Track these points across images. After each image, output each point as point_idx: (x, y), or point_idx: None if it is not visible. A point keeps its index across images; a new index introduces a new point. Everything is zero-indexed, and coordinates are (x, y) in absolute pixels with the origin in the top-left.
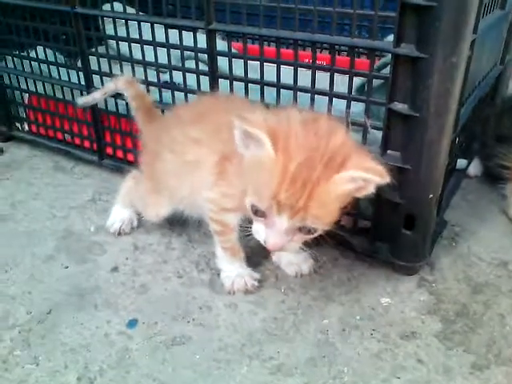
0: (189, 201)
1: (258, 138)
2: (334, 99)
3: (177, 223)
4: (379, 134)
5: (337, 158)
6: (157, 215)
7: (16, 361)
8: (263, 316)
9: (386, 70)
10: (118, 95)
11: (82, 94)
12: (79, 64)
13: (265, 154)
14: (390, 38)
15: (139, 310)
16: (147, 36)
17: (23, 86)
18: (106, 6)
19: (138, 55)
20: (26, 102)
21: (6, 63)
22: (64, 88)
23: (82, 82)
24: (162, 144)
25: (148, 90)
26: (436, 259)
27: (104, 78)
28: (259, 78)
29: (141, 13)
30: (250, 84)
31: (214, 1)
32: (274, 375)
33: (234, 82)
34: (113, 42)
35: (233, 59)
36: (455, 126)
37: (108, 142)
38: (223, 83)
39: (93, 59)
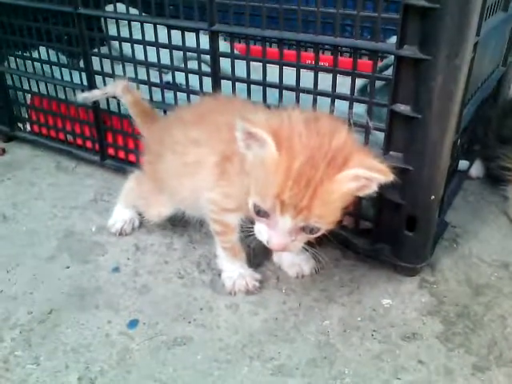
0: (190, 201)
1: (260, 137)
2: (336, 100)
3: (178, 223)
4: (381, 136)
5: (340, 156)
6: (159, 215)
7: (17, 361)
8: (264, 317)
9: (389, 71)
10: None
11: None
12: (81, 64)
13: (268, 153)
14: (393, 39)
15: (140, 310)
16: (150, 37)
17: (25, 87)
18: (109, 7)
19: (140, 56)
20: (29, 102)
21: (8, 63)
22: (66, 88)
23: (85, 83)
24: (164, 145)
25: (150, 91)
26: (437, 260)
27: (106, 78)
28: (261, 79)
29: (144, 14)
30: (252, 85)
31: (217, 2)
32: (275, 376)
33: (237, 83)
34: (115, 43)
35: (235, 60)
36: (457, 127)
37: (110, 143)
38: (225, 84)
39: (95, 60)
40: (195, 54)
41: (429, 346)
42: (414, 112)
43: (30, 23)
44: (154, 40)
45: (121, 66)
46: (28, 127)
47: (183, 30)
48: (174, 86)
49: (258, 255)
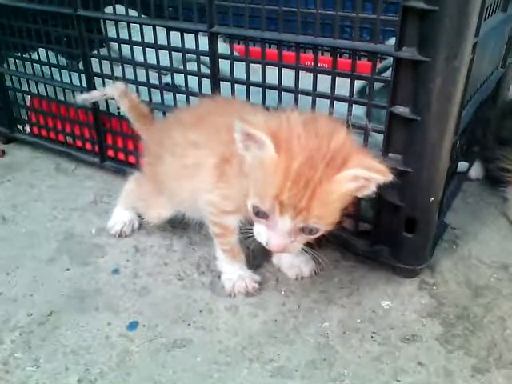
0: (189, 203)
1: (259, 139)
2: (335, 102)
3: (178, 225)
4: (380, 137)
5: (338, 157)
6: (158, 217)
7: (17, 363)
8: (264, 318)
9: (388, 73)
10: None
11: None
12: (81, 66)
13: (267, 154)
14: (392, 40)
15: (140, 312)
16: (149, 38)
17: (25, 88)
18: (109, 9)
19: (139, 58)
20: (28, 103)
21: (8, 65)
22: (66, 90)
23: (84, 84)
24: (163, 147)
25: (149, 92)
26: (437, 262)
27: (106, 80)
28: (261, 80)
29: (143, 15)
30: (251, 87)
31: (217, 4)
32: (275, 378)
33: (236, 85)
34: (114, 45)
35: (234, 62)
36: (456, 129)
37: (109, 145)
38: (225, 86)
39: (94, 61)
40: (194, 56)
41: (428, 347)
42: (413, 114)
43: (30, 25)
44: (153, 42)
45: (120, 67)
46: (27, 129)
47: (182, 31)
48: (173, 88)
49: (257, 257)
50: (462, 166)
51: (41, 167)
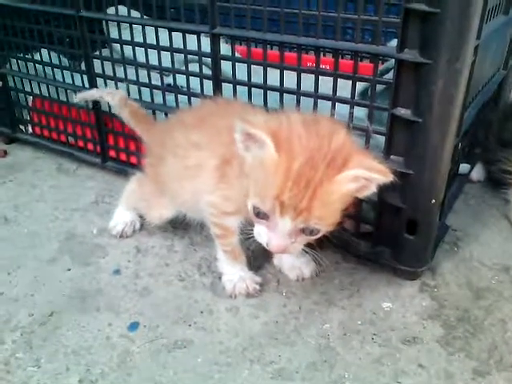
0: (191, 204)
1: (260, 139)
2: (336, 104)
3: (179, 226)
4: (382, 139)
5: (339, 157)
6: (160, 217)
7: (18, 363)
8: (264, 320)
9: (389, 75)
10: None
11: None
12: (83, 67)
13: (267, 155)
14: (394, 42)
15: (141, 313)
16: (151, 39)
17: (27, 89)
18: (111, 10)
19: (141, 58)
20: (30, 104)
21: (10, 65)
22: (68, 90)
23: (86, 85)
24: (165, 148)
25: (151, 93)
26: (438, 264)
27: (108, 81)
28: (262, 82)
29: (145, 16)
30: (253, 88)
31: (219, 5)
32: (275, 379)
33: (238, 86)
34: (117, 45)
35: (236, 63)
36: (458, 131)
37: (111, 145)
38: (226, 87)
39: (96, 62)
40: (196, 57)
41: (429, 349)
42: (415, 116)
43: (32, 25)
44: (155, 43)
45: (122, 68)
46: (30, 129)
47: (184, 32)
48: (175, 89)
49: (258, 258)
50: (464, 167)
51: (43, 167)
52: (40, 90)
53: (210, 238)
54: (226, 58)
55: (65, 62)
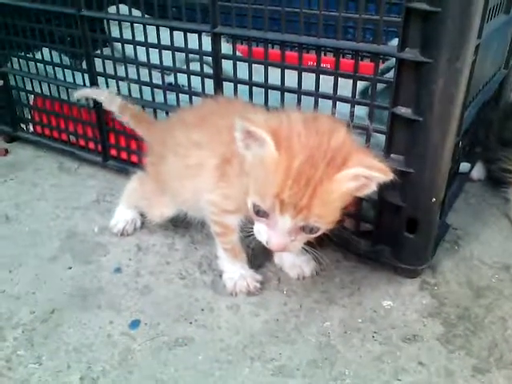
0: (191, 203)
1: (260, 137)
2: (337, 102)
3: (180, 224)
4: (382, 138)
5: (339, 156)
6: (161, 216)
7: (19, 360)
8: (265, 318)
9: (390, 74)
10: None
11: None
12: (84, 66)
13: (267, 153)
14: (395, 41)
15: (142, 310)
16: (152, 38)
17: (28, 88)
18: (112, 9)
19: (142, 57)
20: (31, 103)
21: (11, 64)
22: (69, 89)
23: (87, 84)
24: (166, 146)
25: (152, 92)
26: (438, 262)
27: (109, 79)
28: (263, 81)
29: (146, 15)
30: (254, 87)
31: (220, 4)
32: (276, 377)
33: (239, 85)
34: (118, 45)
35: (237, 62)
36: (459, 130)
37: (112, 144)
38: (228, 86)
39: (98, 61)
40: (197, 56)
41: (429, 347)
42: (415, 115)
43: (33, 24)
44: (156, 42)
45: (123, 67)
46: (31, 128)
47: (186, 31)
48: (176, 88)
49: (259, 256)
50: (464, 166)
51: (44, 166)
52: (41, 89)
53: (210, 237)
54: (227, 57)
55: (66, 60)
